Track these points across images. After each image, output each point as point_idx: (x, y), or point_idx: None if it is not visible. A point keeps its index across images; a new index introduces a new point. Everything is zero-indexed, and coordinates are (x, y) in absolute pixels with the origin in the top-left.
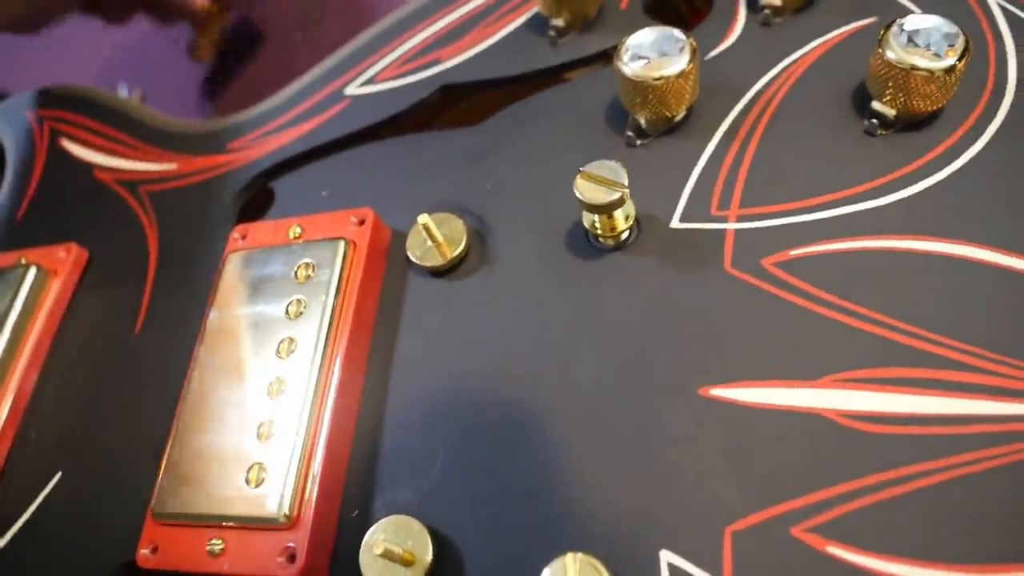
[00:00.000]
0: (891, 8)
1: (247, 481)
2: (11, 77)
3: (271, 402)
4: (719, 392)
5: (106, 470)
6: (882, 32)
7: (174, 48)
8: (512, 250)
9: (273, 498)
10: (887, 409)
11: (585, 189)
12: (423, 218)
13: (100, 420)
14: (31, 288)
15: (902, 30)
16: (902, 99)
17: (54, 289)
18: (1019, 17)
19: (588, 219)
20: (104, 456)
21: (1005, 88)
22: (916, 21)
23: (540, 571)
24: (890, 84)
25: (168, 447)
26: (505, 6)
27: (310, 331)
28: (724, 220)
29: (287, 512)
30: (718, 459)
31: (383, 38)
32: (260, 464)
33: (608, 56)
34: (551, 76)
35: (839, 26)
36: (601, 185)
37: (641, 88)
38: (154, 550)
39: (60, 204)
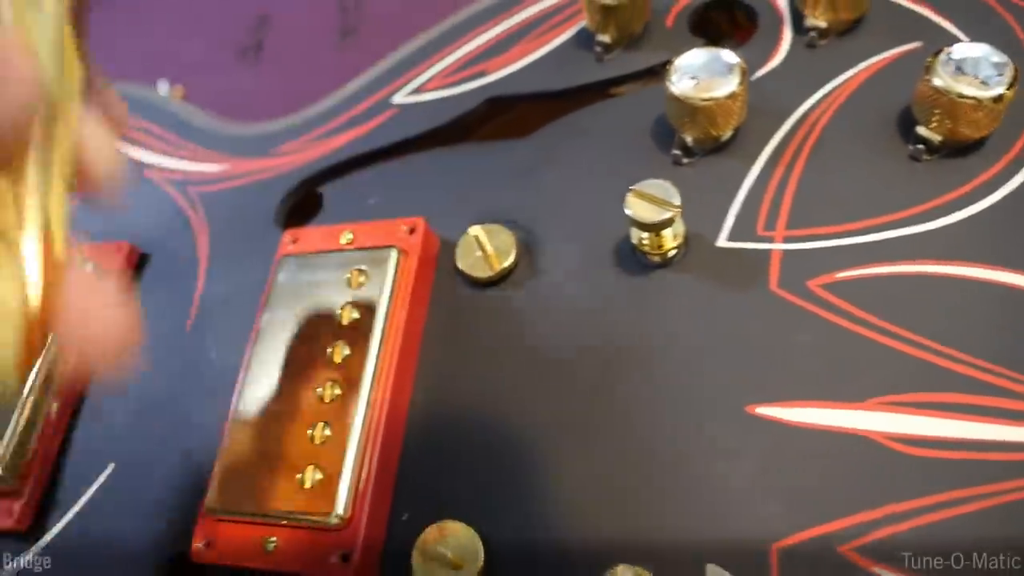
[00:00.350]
0: (935, 32)
1: (301, 482)
2: None
3: (325, 405)
4: (766, 411)
5: (158, 463)
6: (930, 59)
7: (216, 49)
8: (559, 263)
9: (328, 499)
10: (935, 433)
11: (635, 207)
12: (475, 229)
13: (152, 414)
14: None
15: (950, 58)
16: (949, 125)
17: None
18: None
19: (636, 235)
20: (156, 450)
21: None
22: (964, 50)
23: None
24: (937, 110)
25: (222, 445)
26: (552, 20)
27: (363, 337)
28: (770, 240)
29: (341, 514)
30: (765, 476)
31: (430, 48)
32: (315, 465)
33: (654, 73)
34: (596, 91)
35: (884, 50)
36: (652, 204)
37: (690, 108)
38: (208, 544)
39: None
